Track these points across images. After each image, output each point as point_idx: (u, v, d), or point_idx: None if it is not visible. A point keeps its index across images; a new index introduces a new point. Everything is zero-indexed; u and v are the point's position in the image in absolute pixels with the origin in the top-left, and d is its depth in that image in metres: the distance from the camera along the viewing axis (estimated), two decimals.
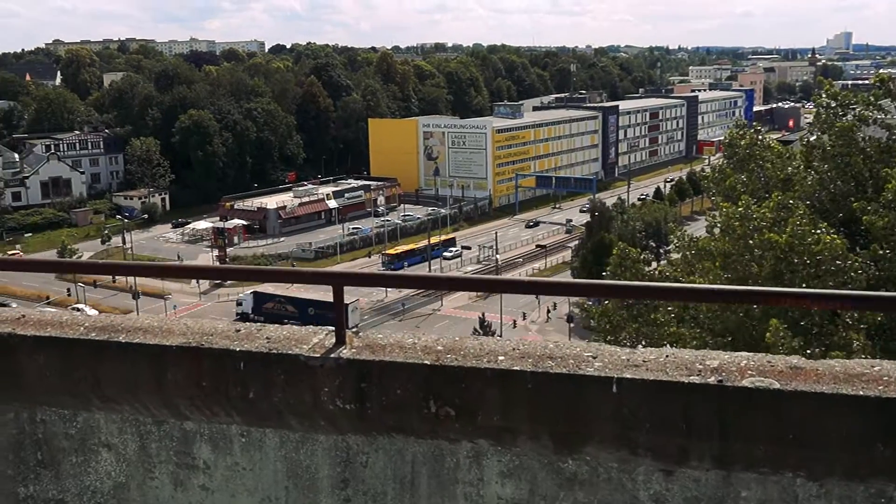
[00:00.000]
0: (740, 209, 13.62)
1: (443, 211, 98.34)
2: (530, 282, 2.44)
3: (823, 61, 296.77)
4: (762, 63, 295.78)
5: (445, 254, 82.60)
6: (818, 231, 12.90)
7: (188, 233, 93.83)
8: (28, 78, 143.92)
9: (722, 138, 21.17)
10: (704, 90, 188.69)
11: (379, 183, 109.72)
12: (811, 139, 16.26)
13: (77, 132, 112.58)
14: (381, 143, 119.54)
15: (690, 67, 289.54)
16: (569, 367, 2.17)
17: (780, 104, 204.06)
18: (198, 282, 72.00)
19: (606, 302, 15.60)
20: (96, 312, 66.95)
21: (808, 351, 12.37)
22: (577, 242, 78.23)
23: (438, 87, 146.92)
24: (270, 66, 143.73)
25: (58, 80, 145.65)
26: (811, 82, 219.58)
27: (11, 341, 2.62)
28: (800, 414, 1.99)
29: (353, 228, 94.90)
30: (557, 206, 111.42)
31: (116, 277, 70.30)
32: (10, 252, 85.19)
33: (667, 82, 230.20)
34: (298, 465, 2.48)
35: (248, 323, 2.65)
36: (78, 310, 66.28)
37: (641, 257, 17.01)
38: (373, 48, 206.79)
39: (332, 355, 2.33)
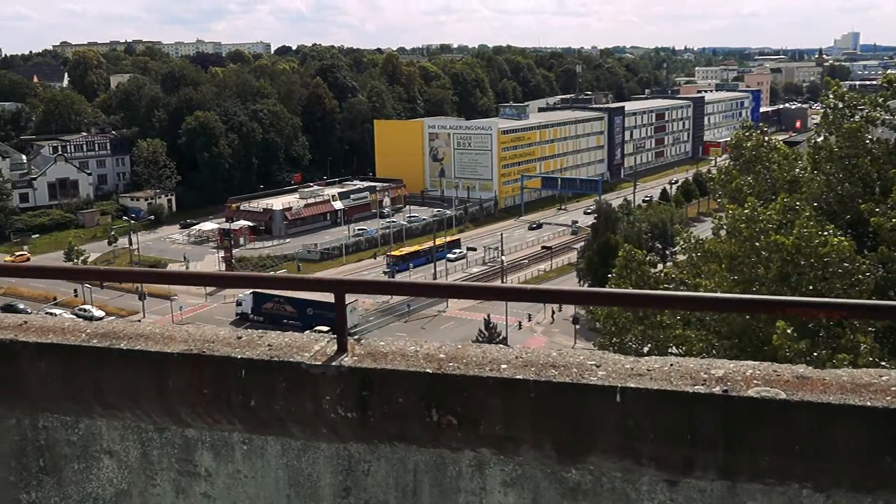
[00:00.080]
0: (746, 211, 13.57)
1: (448, 212, 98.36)
2: (532, 290, 2.41)
3: (831, 62, 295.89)
4: (769, 64, 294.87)
5: (449, 256, 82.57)
6: (825, 233, 12.84)
7: (194, 234, 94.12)
8: (36, 80, 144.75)
9: (728, 139, 21.13)
10: (711, 91, 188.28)
11: (384, 184, 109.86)
12: (818, 140, 16.20)
13: (84, 134, 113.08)
14: (386, 144, 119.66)
15: (697, 68, 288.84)
16: (572, 375, 2.15)
17: (786, 105, 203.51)
18: None
19: None
20: (103, 313, 67.27)
21: (815, 353, 12.31)
22: (582, 244, 78.10)
23: (444, 88, 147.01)
24: (276, 67, 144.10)
25: (65, 82, 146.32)
26: (818, 83, 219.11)
27: (13, 348, 2.62)
28: (806, 424, 1.97)
29: (359, 230, 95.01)
30: (563, 207, 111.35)
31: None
32: (17, 253, 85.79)
33: (673, 83, 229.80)
34: (300, 473, 2.47)
35: (250, 330, 2.64)
36: (84, 310, 66.59)
37: (647, 259, 16.98)
38: (378, 49, 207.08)
39: (334, 363, 2.32)
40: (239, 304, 66.49)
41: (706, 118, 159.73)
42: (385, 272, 78.33)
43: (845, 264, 12.62)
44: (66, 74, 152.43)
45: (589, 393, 2.10)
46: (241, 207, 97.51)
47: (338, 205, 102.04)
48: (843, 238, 12.82)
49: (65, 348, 2.57)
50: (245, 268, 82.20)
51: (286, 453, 2.47)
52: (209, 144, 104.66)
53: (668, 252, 67.25)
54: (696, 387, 2.06)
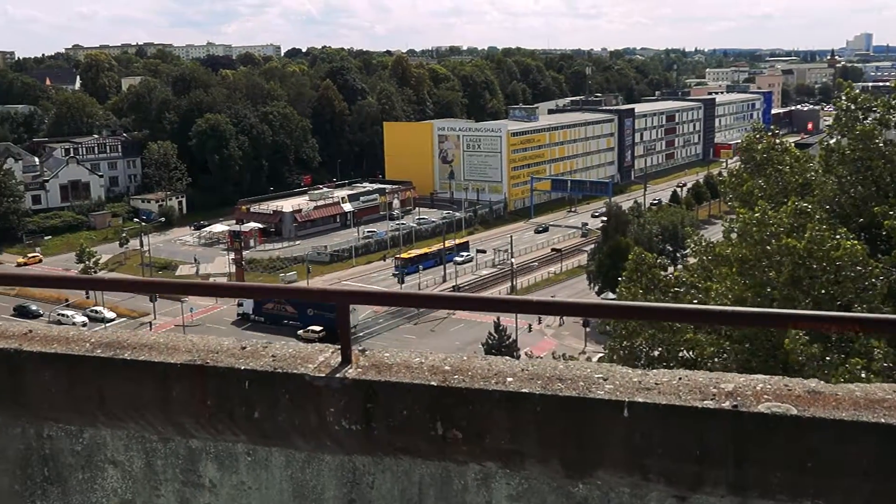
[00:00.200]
0: (757, 215, 13.48)
1: (458, 214, 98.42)
2: (539, 302, 2.39)
3: (843, 63, 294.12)
4: (780, 65, 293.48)
5: (456, 258, 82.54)
6: (838, 236, 12.73)
7: (205, 236, 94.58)
8: (48, 82, 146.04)
9: (739, 141, 21.02)
10: (722, 93, 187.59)
11: (394, 186, 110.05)
12: (830, 143, 16.08)
13: (96, 136, 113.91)
14: (396, 146, 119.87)
15: (707, 70, 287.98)
16: (579, 389, 2.12)
17: (798, 107, 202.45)
18: None
19: None
20: (114, 315, 67.67)
21: (828, 358, 12.20)
22: (592, 246, 77.94)
23: (453, 90, 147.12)
24: (286, 69, 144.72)
25: (77, 85, 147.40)
26: (830, 84, 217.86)
27: (18, 357, 2.62)
28: (818, 441, 1.93)
29: (368, 232, 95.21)
30: (573, 209, 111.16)
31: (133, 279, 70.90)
32: (29, 254, 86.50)
33: (683, 85, 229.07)
34: (304, 485, 2.45)
35: (254, 340, 2.63)
36: (96, 312, 66.99)
37: (657, 262, 16.88)
38: (388, 52, 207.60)
39: (338, 375, 2.31)
40: (240, 304, 66.90)
41: (717, 120, 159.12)
42: (394, 274, 78.43)
43: (858, 268, 12.49)
44: (77, 77, 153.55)
45: (596, 407, 2.07)
46: (251, 209, 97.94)
47: (347, 207, 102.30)
48: (855, 241, 12.70)
49: (69, 358, 2.57)
50: (255, 269, 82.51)
51: (290, 465, 2.46)
52: (219, 147, 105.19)
53: (678, 255, 67.00)
54: (706, 402, 2.03)
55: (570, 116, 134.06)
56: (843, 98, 15.58)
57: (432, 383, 2.22)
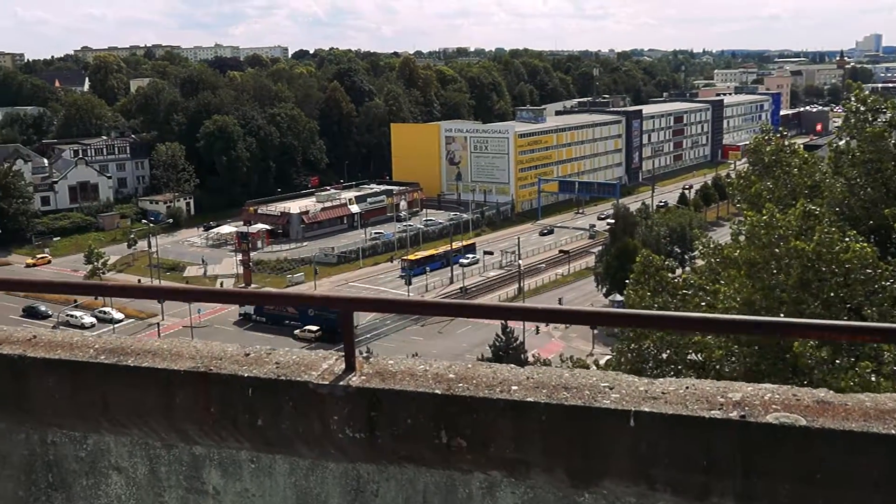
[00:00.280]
0: (765, 217, 13.40)
1: (465, 216, 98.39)
2: (544, 309, 2.37)
3: (852, 64, 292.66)
4: (789, 66, 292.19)
5: (462, 260, 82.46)
6: (847, 239, 12.64)
7: (212, 237, 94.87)
8: (57, 84, 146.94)
9: (748, 143, 20.91)
10: (730, 94, 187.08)
11: (401, 188, 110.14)
12: (840, 144, 15.98)
13: (104, 137, 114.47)
14: (403, 147, 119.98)
15: (716, 71, 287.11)
16: (584, 398, 2.10)
17: (807, 108, 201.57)
18: (222, 284, 72.67)
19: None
20: (122, 316, 67.95)
21: (837, 360, 12.11)
22: (600, 248, 77.76)
23: (461, 91, 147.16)
24: (294, 71, 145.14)
25: (86, 87, 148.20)
26: (839, 86, 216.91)
27: (22, 363, 2.62)
28: (827, 452, 1.90)
29: (376, 233, 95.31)
30: (581, 210, 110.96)
31: (141, 279, 71.29)
32: (38, 255, 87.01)
33: (691, 86, 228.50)
34: (308, 493, 2.44)
35: (258, 346, 2.62)
36: (104, 312, 67.26)
37: (665, 264, 16.81)
38: (395, 53, 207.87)
39: (342, 383, 2.29)
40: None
41: (725, 121, 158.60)
42: (401, 276, 78.45)
43: (867, 271, 12.41)
44: (86, 79, 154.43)
45: (602, 416, 2.05)
46: (259, 211, 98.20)
47: (354, 208, 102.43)
48: (865, 244, 12.62)
49: (72, 364, 2.57)
50: (262, 271, 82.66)
51: (294, 472, 2.44)
52: (227, 148, 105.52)
53: (686, 257, 66.79)
54: (713, 412, 2.00)
55: (577, 118, 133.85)
56: (853, 99, 15.49)
57: (436, 391, 2.20)
